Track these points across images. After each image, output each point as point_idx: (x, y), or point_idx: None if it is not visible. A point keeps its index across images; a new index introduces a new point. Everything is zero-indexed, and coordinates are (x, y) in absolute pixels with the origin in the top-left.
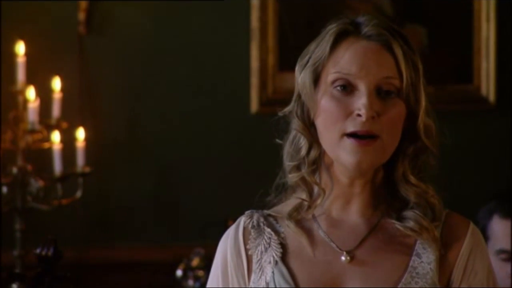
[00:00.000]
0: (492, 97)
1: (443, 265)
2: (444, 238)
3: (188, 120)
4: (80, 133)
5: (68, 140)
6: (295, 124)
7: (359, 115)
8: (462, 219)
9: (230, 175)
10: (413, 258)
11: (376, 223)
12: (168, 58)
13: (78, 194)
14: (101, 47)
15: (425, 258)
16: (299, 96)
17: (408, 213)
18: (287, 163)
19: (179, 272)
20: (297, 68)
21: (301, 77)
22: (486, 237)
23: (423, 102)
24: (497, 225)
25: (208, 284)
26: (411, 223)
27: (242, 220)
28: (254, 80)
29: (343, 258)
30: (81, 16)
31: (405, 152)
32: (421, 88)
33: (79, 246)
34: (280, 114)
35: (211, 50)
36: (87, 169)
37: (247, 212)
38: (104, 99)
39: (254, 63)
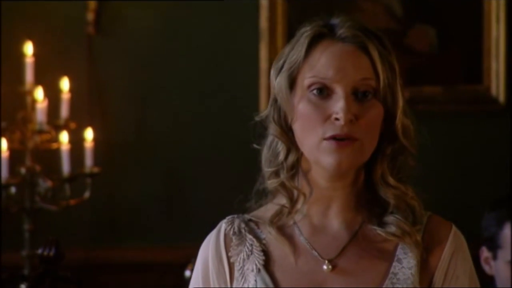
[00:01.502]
0: (502, 97)
1: (425, 269)
2: (426, 241)
3: (197, 121)
4: (89, 134)
5: (77, 141)
6: (272, 129)
7: (337, 119)
8: (443, 222)
9: (239, 176)
10: (394, 264)
11: (357, 229)
12: (176, 58)
13: (87, 194)
14: (109, 48)
15: (406, 263)
16: (275, 100)
17: (389, 218)
18: (266, 169)
19: (187, 273)
20: (272, 72)
21: (277, 81)
22: (496, 246)
23: (400, 102)
24: (510, 234)
25: None
26: (392, 228)
27: (223, 226)
28: (263, 81)
29: (325, 267)
30: (90, 16)
31: (384, 152)
32: (398, 88)
33: (87, 247)
34: (257, 118)
35: (220, 50)
36: (96, 170)
37: (228, 218)
38: (112, 100)
39: (263, 64)
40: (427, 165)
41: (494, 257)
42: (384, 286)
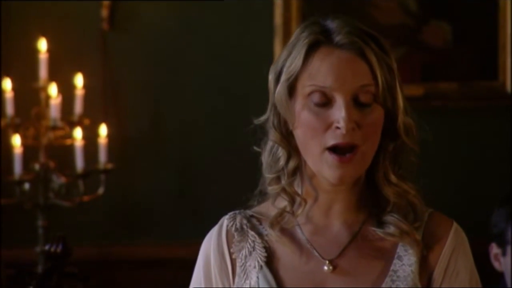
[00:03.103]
0: None
1: (425, 265)
2: (426, 238)
3: (211, 118)
4: (103, 130)
5: (91, 137)
6: (272, 135)
7: (338, 127)
8: (444, 218)
9: (252, 173)
10: (394, 261)
11: (358, 230)
12: (191, 55)
13: (100, 190)
14: (124, 44)
15: (406, 260)
16: (275, 106)
17: (388, 218)
18: (267, 175)
19: None
20: (270, 76)
21: (277, 92)
22: (505, 242)
23: (400, 103)
24: None
25: (191, 286)
26: (391, 229)
27: (225, 222)
28: None
29: (325, 267)
30: (104, 12)
31: (386, 150)
32: (397, 89)
33: (101, 243)
34: (256, 122)
35: (234, 47)
36: (109, 166)
37: (230, 214)
38: (126, 96)
39: None
40: (443, 161)
41: (504, 253)
42: (384, 284)
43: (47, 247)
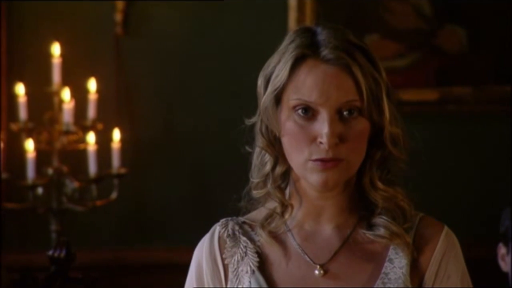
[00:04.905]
0: None
1: (416, 268)
2: (417, 241)
3: (224, 121)
4: (116, 134)
5: (104, 141)
6: (259, 141)
7: (321, 142)
8: (435, 222)
9: None
10: (385, 264)
11: (349, 234)
12: (204, 59)
13: (113, 195)
14: (137, 48)
15: (397, 263)
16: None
17: (378, 220)
18: (252, 179)
19: None
20: (259, 81)
21: (263, 102)
22: (510, 240)
23: (387, 114)
24: None
25: None
26: (381, 231)
27: (217, 229)
28: None
29: (316, 272)
30: (118, 17)
31: (373, 158)
32: (384, 101)
33: (114, 247)
34: (248, 123)
35: (248, 51)
36: (122, 170)
37: (222, 221)
38: (140, 100)
39: None
40: (457, 165)
41: (508, 252)
42: (375, 286)
43: (50, 252)
